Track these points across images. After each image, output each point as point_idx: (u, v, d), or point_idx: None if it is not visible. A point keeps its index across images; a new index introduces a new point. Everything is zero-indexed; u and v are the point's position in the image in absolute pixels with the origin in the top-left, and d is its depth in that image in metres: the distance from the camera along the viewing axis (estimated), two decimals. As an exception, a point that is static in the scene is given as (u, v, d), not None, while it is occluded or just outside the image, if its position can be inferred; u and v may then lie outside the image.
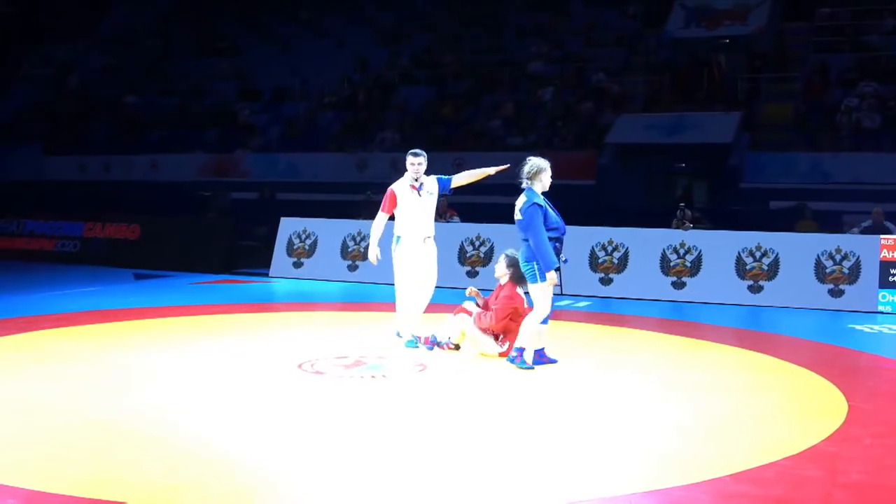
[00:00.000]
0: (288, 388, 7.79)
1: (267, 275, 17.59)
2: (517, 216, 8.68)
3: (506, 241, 10.36)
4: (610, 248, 15.45)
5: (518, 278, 8.99)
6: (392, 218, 9.80)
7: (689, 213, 16.02)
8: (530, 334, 8.53)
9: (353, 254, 17.15)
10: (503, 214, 10.39)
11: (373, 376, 8.23)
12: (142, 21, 33.79)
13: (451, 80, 26.44)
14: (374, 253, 9.63)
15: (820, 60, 23.00)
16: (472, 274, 16.00)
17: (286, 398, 7.44)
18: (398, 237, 9.66)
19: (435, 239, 9.83)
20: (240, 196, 23.28)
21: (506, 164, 9.85)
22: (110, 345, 9.71)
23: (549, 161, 9.02)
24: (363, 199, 19.90)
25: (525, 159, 8.92)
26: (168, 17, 33.78)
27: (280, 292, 16.05)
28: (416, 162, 9.63)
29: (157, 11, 34.08)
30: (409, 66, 28.06)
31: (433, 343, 9.46)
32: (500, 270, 9.34)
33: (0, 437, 6.21)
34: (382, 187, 21.19)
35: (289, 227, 18.01)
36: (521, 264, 8.61)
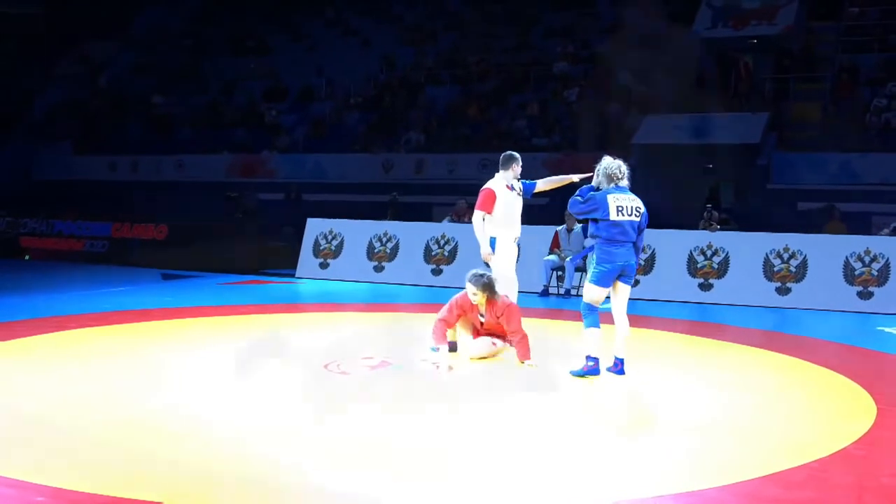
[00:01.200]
0: (315, 388, 7.80)
1: (293, 275, 17.63)
2: (636, 217, 8.46)
3: (471, 239, 10.27)
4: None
5: (492, 291, 8.81)
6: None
7: (716, 214, 15.96)
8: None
9: (379, 255, 17.17)
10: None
11: (398, 377, 8.24)
12: (173, 21, 33.99)
13: (476, 79, 26.43)
14: (487, 251, 9.57)
15: (848, 60, 22.83)
16: (436, 272, 16.02)
17: (314, 398, 7.45)
18: (493, 238, 9.61)
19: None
20: (266, 197, 23.38)
21: (587, 173, 9.62)
22: (141, 344, 9.78)
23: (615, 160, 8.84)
24: (389, 200, 19.97)
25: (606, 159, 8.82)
26: (199, 17, 33.96)
27: (306, 293, 16.08)
28: (518, 167, 9.71)
29: (188, 12, 34.27)
30: (434, 66, 28.06)
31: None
32: (477, 297, 8.88)
33: (35, 434, 6.26)
34: (407, 188, 21.37)
35: (315, 227, 18.05)
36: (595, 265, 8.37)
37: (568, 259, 15.01)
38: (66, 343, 9.78)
